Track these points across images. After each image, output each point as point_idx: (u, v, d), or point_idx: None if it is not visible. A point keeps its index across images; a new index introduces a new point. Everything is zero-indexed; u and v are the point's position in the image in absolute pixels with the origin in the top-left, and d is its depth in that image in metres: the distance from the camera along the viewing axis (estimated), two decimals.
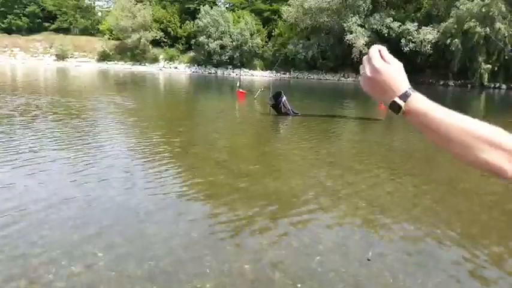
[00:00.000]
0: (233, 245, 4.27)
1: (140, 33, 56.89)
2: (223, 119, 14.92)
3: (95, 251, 4.03)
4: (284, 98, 15.00)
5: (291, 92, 16.01)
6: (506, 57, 46.33)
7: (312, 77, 54.13)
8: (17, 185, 6.06)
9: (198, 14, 55.98)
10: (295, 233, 4.75)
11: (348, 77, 54.13)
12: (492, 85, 48.04)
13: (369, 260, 4.13)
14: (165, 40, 58.91)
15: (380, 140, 11.67)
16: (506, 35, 44.92)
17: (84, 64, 57.29)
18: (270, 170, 7.51)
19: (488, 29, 44.33)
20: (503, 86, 48.24)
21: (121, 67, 56.97)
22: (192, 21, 57.75)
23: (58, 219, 4.85)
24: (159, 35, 57.89)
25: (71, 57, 59.01)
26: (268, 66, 56.34)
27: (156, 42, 58.55)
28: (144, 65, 57.79)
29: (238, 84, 22.98)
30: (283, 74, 53.02)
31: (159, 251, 4.05)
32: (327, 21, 52.10)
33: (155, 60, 58.63)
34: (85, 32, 64.29)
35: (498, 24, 44.30)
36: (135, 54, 58.35)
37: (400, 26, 48.74)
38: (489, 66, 46.18)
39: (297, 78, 53.06)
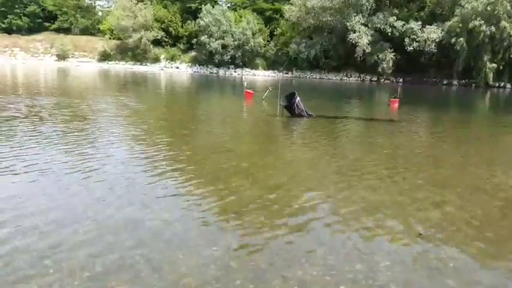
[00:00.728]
0: (280, 277, 3.74)
1: (141, 32, 56.37)
2: (235, 123, 14.32)
3: (121, 285, 3.53)
4: (298, 98, 14.46)
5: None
6: None
7: (315, 77, 53.64)
8: (21, 194, 5.58)
9: (199, 13, 55.49)
10: (347, 258, 4.22)
11: (351, 76, 53.65)
12: (497, 84, 47.57)
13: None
14: (167, 40, 58.40)
15: (405, 144, 11.16)
16: (511, 33, 44.42)
17: (85, 64, 56.74)
18: (298, 180, 6.97)
19: (493, 27, 43.88)
20: (508, 86, 47.77)
21: (122, 67, 56.45)
22: (193, 21, 57.25)
23: (71, 240, 4.33)
24: (160, 34, 57.38)
25: (71, 57, 58.47)
26: (270, 65, 55.89)
27: (157, 42, 58.04)
28: (146, 64, 57.28)
29: (245, 85, 22.53)
30: (286, 73, 52.48)
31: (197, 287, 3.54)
32: (330, 20, 51.59)
33: (156, 60, 58.12)
34: (85, 31, 63.75)
35: (504, 23, 43.82)
36: (136, 54, 57.84)
37: (404, 25, 48.26)
38: (494, 65, 45.69)
39: (299, 77, 52.53)
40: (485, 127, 16.66)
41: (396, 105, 20.26)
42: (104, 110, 15.25)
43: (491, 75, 46.17)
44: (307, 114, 14.69)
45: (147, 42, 56.97)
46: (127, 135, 10.66)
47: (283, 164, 8.14)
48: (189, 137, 10.91)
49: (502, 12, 43.72)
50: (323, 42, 52.10)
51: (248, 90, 21.29)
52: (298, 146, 10.59)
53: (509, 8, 43.90)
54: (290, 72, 53.63)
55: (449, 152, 10.32)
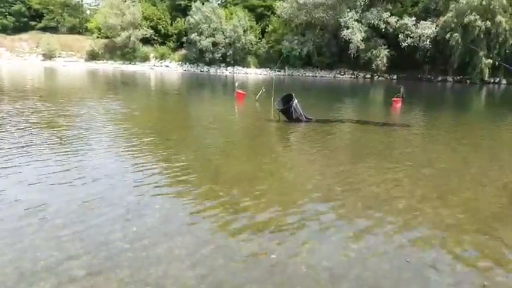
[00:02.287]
0: None
1: (130, 31, 55.06)
2: (224, 132, 12.77)
3: None
4: (295, 101, 13.24)
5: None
6: (507, 51, 45.16)
7: (308, 74, 52.61)
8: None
9: (189, 10, 54.33)
10: None
11: (344, 74, 52.65)
12: (492, 80, 46.92)
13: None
14: (156, 38, 57.19)
15: (420, 156, 10.11)
16: (507, 28, 43.77)
17: (72, 64, 55.22)
18: (302, 218, 5.48)
19: (489, 22, 43.15)
20: (504, 81, 47.15)
21: (110, 66, 55.00)
22: (183, 18, 56.10)
23: None
24: (149, 32, 56.15)
25: (58, 56, 57.00)
26: (262, 63, 54.80)
27: (146, 40, 56.81)
28: (135, 64, 55.90)
29: (236, 85, 21.46)
30: (278, 71, 51.46)
31: None
32: (323, 16, 50.63)
33: (146, 58, 56.77)
34: (73, 30, 62.28)
35: (499, 18, 43.11)
36: (125, 53, 56.44)
37: (398, 20, 47.42)
38: (490, 60, 44.98)
39: (292, 75, 51.48)
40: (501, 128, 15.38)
41: (399, 105, 19.45)
42: (79, 115, 13.88)
43: (486, 71, 45.50)
44: (306, 118, 13.54)
45: (135, 40, 55.73)
46: (95, 146, 9.40)
47: (278, 192, 6.78)
48: (169, 150, 9.34)
49: (497, 7, 43.01)
50: (316, 39, 51.15)
51: (239, 91, 20.23)
52: (297, 163, 8.87)
53: (504, 2, 43.17)
54: (283, 70, 52.59)
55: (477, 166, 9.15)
